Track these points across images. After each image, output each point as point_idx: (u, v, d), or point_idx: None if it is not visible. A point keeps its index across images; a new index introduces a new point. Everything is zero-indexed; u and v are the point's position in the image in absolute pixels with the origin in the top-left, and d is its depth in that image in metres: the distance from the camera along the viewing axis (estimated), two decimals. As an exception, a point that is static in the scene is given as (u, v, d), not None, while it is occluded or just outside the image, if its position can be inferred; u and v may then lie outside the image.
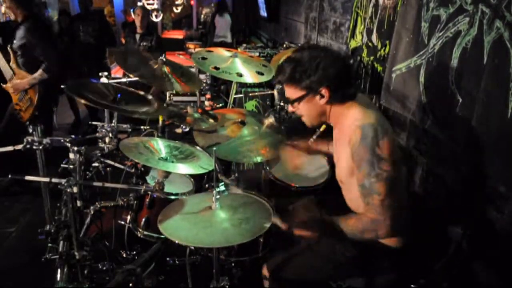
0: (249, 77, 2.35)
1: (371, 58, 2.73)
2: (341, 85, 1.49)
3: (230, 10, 8.16)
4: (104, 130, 2.24)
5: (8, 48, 3.12)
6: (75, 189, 1.66)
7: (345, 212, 1.75)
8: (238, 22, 8.59)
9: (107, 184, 1.77)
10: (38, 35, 3.15)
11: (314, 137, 2.23)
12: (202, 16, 11.14)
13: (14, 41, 3.19)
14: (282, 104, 2.45)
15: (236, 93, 3.40)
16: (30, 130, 1.82)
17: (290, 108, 1.61)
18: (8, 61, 3.12)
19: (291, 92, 1.55)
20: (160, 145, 1.90)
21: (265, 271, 1.70)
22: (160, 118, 2.37)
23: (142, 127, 2.42)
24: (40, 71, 3.11)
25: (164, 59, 2.28)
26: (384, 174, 1.38)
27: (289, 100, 1.57)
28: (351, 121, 1.48)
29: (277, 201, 1.93)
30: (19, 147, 1.82)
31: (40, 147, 1.85)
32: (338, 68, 1.47)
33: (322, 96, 1.49)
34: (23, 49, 3.17)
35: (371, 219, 1.41)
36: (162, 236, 1.91)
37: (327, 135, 2.10)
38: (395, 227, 1.41)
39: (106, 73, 2.36)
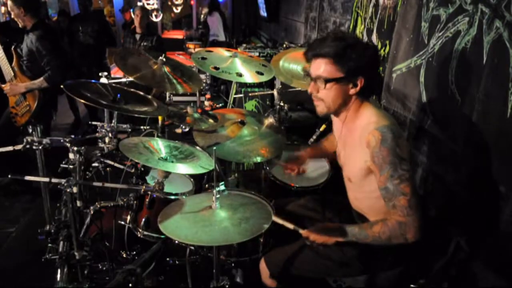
0: (249, 77, 2.35)
1: (371, 58, 2.73)
2: (373, 80, 1.48)
3: (221, 9, 8.24)
4: (104, 130, 2.24)
5: (12, 50, 3.09)
6: (75, 189, 1.66)
7: (345, 210, 1.75)
8: (238, 22, 8.64)
9: (107, 184, 1.77)
10: (48, 44, 3.11)
11: (314, 137, 2.24)
12: (202, 16, 11.14)
13: (22, 46, 3.17)
14: (282, 104, 2.45)
15: (236, 93, 3.40)
16: (30, 130, 1.83)
17: (310, 88, 1.51)
18: (10, 62, 3.09)
19: (327, 70, 1.43)
20: (160, 145, 1.91)
21: (263, 266, 1.69)
22: (160, 118, 2.38)
23: (142, 127, 2.42)
24: (41, 79, 3.07)
25: (164, 59, 2.28)
26: (406, 175, 1.37)
27: (320, 78, 1.45)
28: (365, 123, 1.46)
29: (277, 201, 1.94)
30: (19, 147, 1.82)
31: (40, 147, 1.85)
32: (376, 62, 1.47)
33: (355, 86, 1.45)
34: (31, 56, 3.14)
35: (398, 223, 1.38)
36: (162, 236, 1.91)
37: (327, 135, 2.10)
38: (421, 228, 1.38)
39: (105, 73, 2.37)
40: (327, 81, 1.44)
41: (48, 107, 3.35)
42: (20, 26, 3.16)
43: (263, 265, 1.69)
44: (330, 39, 1.43)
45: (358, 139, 1.48)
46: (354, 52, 1.39)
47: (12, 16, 3.19)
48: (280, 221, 1.53)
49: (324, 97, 1.49)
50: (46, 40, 3.12)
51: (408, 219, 1.37)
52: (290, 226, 1.53)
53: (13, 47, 3.10)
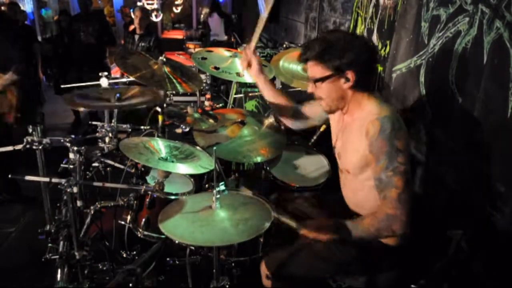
0: (249, 77, 2.35)
1: (371, 58, 2.73)
2: (367, 72, 1.50)
3: (221, 10, 8.41)
4: (104, 130, 2.24)
5: None
6: (75, 189, 1.65)
7: (345, 210, 1.75)
8: (239, 22, 8.73)
9: (107, 184, 1.77)
10: None
11: (314, 137, 2.24)
12: (202, 16, 11.14)
13: None
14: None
15: (236, 93, 3.39)
16: (30, 130, 1.82)
17: (309, 89, 1.59)
18: None
19: (316, 71, 1.51)
20: (160, 145, 1.90)
21: (263, 268, 1.69)
22: (160, 118, 2.37)
23: (142, 127, 2.42)
24: (10, 73, 3.02)
25: (164, 59, 2.28)
26: (401, 168, 1.39)
27: (313, 79, 1.54)
28: (366, 113, 1.49)
29: (280, 196, 1.94)
30: (19, 147, 1.81)
31: (40, 147, 1.84)
32: (368, 54, 1.48)
33: (347, 80, 1.49)
34: None
35: (386, 215, 1.40)
36: (162, 236, 1.91)
37: (327, 135, 2.10)
38: (409, 223, 1.40)
39: (106, 73, 2.36)
40: (316, 80, 1.53)
41: (31, 100, 3.32)
42: None
43: (263, 267, 1.70)
44: (314, 41, 1.51)
45: (358, 129, 1.50)
46: (336, 49, 1.45)
47: None
48: (282, 218, 1.54)
49: (322, 95, 1.57)
50: None
51: (396, 212, 1.39)
52: (293, 224, 1.53)
53: None
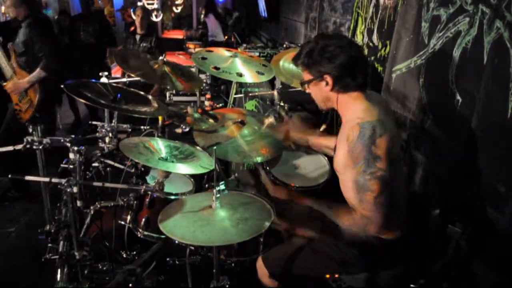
0: (249, 77, 2.35)
1: (372, 58, 2.73)
2: (344, 75, 1.52)
3: (217, 10, 8.41)
4: (104, 130, 2.24)
5: (9, 46, 3.09)
6: (75, 189, 1.65)
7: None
8: (239, 22, 8.73)
9: (107, 184, 1.76)
10: (38, 31, 3.12)
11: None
12: (202, 16, 11.14)
13: (17, 40, 3.17)
14: (282, 104, 2.45)
15: (236, 93, 3.39)
16: (30, 130, 1.82)
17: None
18: (9, 60, 3.09)
19: (304, 74, 1.64)
20: (160, 145, 1.90)
21: (260, 265, 1.69)
22: (160, 118, 2.38)
23: (142, 127, 2.42)
24: (38, 69, 3.07)
25: (164, 59, 2.28)
26: (378, 173, 1.41)
27: (301, 81, 1.67)
28: (353, 117, 1.50)
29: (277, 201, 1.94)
30: (19, 147, 1.81)
31: (40, 147, 1.84)
32: (345, 58, 1.50)
33: (326, 84, 1.55)
34: (25, 47, 3.14)
35: (361, 216, 1.47)
36: (162, 236, 1.91)
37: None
38: (386, 225, 1.46)
39: (106, 73, 2.36)
40: (302, 83, 1.65)
41: (51, 101, 3.35)
42: (11, 17, 3.18)
43: (260, 264, 1.70)
44: (302, 47, 1.63)
45: (345, 132, 1.53)
46: (312, 56, 1.55)
47: (4, 9, 3.20)
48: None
49: (312, 95, 1.68)
50: (38, 27, 3.13)
51: (371, 215, 1.45)
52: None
53: (9, 44, 3.11)
